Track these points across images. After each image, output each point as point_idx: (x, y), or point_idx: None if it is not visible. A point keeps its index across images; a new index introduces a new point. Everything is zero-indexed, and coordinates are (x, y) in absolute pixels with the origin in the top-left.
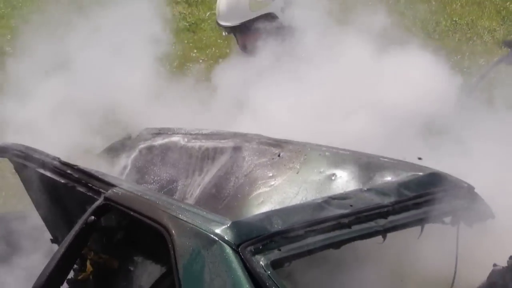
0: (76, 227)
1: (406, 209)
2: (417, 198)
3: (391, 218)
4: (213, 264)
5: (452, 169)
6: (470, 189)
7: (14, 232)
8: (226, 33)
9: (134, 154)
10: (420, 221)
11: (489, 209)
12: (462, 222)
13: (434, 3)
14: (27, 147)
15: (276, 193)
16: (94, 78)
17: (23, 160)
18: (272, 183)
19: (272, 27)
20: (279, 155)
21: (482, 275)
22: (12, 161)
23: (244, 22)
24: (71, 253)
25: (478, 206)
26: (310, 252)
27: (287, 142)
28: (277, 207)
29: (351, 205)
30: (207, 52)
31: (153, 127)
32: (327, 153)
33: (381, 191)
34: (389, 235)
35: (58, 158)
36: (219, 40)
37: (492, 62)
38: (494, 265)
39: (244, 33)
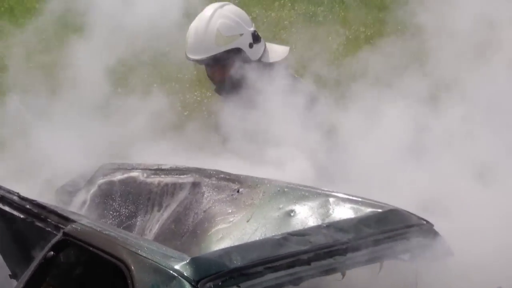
0: (35, 263)
1: (365, 246)
2: (376, 235)
3: (350, 255)
4: None
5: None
6: (429, 226)
7: None
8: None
9: (94, 189)
10: (379, 258)
11: (448, 246)
12: (421, 260)
13: None
14: None
15: (235, 229)
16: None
17: None
18: (231, 219)
19: (240, 61)
20: (238, 191)
21: None
22: None
23: (211, 56)
24: None
25: (437, 244)
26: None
27: (246, 177)
28: (236, 243)
29: (310, 242)
30: (167, 86)
31: (112, 162)
32: (286, 189)
33: (341, 228)
34: (348, 271)
35: (17, 193)
36: (178, 75)
37: None
38: None
39: (211, 66)
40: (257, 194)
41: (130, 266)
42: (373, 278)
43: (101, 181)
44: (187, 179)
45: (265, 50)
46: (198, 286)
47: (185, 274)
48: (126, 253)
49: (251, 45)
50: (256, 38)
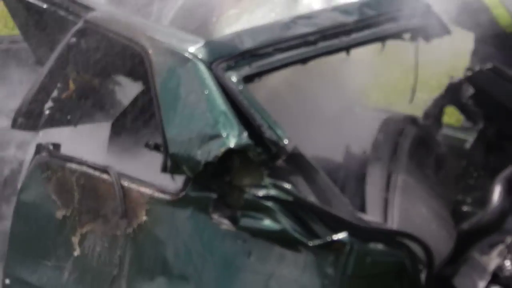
0: (58, 49)
1: (368, 27)
2: (378, 16)
3: (354, 35)
4: (188, 81)
5: None
6: (427, 6)
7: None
8: None
9: None
10: (381, 38)
11: (445, 25)
12: (420, 38)
13: None
14: None
15: (245, 14)
16: None
17: None
18: (240, 4)
19: None
20: None
21: (441, 85)
22: None
23: None
24: (54, 73)
25: (435, 23)
26: (278, 68)
27: None
28: (245, 27)
29: (316, 24)
30: None
31: None
32: None
33: (345, 10)
34: (354, 51)
35: None
36: None
37: None
38: (451, 77)
39: None
40: None
41: (148, 50)
42: (377, 57)
43: None
44: None
45: None
46: (212, 67)
47: (199, 57)
48: (144, 37)
49: None
50: None
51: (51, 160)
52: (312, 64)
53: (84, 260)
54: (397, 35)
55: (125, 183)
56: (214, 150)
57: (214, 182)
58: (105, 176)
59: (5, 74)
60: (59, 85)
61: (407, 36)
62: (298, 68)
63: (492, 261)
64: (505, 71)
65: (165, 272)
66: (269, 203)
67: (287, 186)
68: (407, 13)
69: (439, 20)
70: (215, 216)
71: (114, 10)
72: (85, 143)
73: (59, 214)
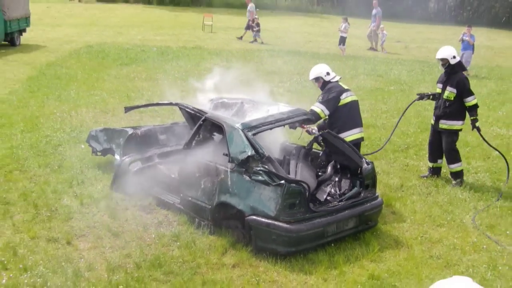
0: (197, 125)
1: (290, 118)
2: (293, 115)
3: (286, 121)
4: (236, 135)
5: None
6: (312, 112)
7: (177, 131)
8: None
9: (212, 104)
10: (295, 124)
11: (313, 119)
12: (305, 123)
13: None
14: (182, 103)
15: (256, 114)
16: None
17: (182, 106)
18: (254, 111)
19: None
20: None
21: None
22: (179, 108)
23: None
24: (195, 133)
25: (310, 118)
26: (263, 131)
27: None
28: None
29: (274, 116)
30: None
31: (217, 97)
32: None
33: (283, 113)
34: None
35: (191, 105)
36: None
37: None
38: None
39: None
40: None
41: (224, 125)
42: (294, 131)
43: (215, 102)
44: (238, 100)
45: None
46: (243, 130)
47: (240, 127)
48: (222, 121)
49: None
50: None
51: None
52: (274, 129)
53: (205, 188)
54: (299, 124)
55: (217, 165)
56: (243, 155)
57: (244, 165)
58: (211, 163)
59: (179, 135)
60: (197, 136)
61: (305, 123)
62: (268, 131)
63: (327, 189)
64: (332, 132)
65: (229, 192)
66: (260, 172)
67: (266, 166)
68: (304, 115)
69: (317, 117)
70: (244, 176)
71: (215, 112)
72: (206, 153)
73: (197, 173)
